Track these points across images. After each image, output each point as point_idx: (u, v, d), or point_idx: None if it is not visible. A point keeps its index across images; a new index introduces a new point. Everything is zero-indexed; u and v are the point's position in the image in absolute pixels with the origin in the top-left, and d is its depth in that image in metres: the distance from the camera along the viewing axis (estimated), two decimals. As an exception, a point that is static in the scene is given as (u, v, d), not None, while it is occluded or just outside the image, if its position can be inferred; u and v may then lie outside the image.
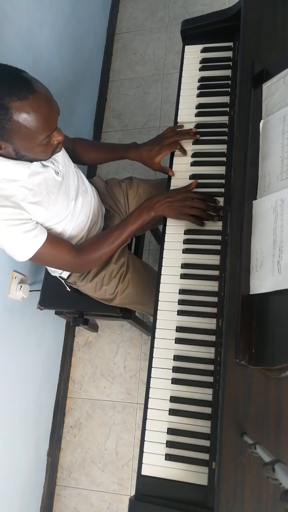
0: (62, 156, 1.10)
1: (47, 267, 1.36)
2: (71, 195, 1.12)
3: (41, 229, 1.02)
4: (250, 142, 0.93)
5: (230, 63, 1.17)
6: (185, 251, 1.01)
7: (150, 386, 0.91)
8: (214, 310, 0.92)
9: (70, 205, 1.12)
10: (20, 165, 0.95)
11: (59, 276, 1.30)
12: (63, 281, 1.31)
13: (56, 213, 1.07)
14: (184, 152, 1.12)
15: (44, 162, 1.02)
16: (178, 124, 1.16)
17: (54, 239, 1.06)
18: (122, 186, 1.38)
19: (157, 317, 0.97)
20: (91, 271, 1.25)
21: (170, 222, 1.07)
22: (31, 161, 0.97)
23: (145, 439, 0.87)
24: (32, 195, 0.98)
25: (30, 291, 1.54)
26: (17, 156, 0.93)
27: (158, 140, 1.16)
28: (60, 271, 1.27)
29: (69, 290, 1.36)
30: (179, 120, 1.17)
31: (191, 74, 1.20)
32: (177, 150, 1.14)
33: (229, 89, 1.14)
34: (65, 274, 1.28)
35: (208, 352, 0.90)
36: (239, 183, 0.91)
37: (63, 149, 1.12)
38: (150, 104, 2.31)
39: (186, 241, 1.03)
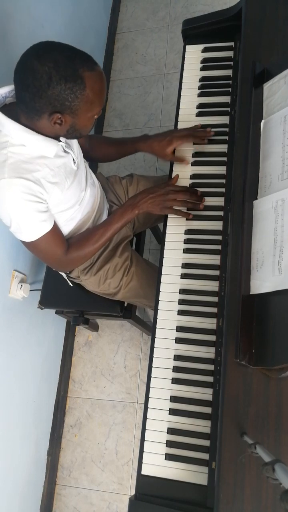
0: (76, 147, 1.11)
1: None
2: (82, 185, 1.12)
3: (50, 215, 1.02)
4: (251, 142, 0.93)
5: (231, 63, 1.17)
6: (186, 250, 1.01)
7: (150, 385, 0.91)
8: (215, 310, 0.92)
9: (80, 195, 1.12)
10: (49, 142, 0.95)
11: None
12: (65, 276, 1.31)
13: (67, 199, 1.06)
14: (202, 141, 1.09)
15: (66, 148, 1.02)
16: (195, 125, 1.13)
17: (56, 229, 1.06)
18: (123, 183, 1.39)
19: (158, 317, 0.97)
20: (95, 265, 1.25)
21: (170, 222, 1.07)
22: (75, 137, 0.99)
23: (145, 439, 0.87)
24: (52, 175, 0.98)
25: (30, 290, 1.54)
26: (67, 133, 0.95)
27: (170, 132, 1.14)
28: None
29: (71, 285, 1.36)
30: (179, 120, 1.17)
31: (192, 74, 1.20)
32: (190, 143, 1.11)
33: (230, 89, 1.14)
34: None
35: (208, 352, 0.90)
36: (240, 183, 0.91)
37: (76, 141, 1.13)
38: (151, 103, 2.31)
39: (186, 241, 1.03)
